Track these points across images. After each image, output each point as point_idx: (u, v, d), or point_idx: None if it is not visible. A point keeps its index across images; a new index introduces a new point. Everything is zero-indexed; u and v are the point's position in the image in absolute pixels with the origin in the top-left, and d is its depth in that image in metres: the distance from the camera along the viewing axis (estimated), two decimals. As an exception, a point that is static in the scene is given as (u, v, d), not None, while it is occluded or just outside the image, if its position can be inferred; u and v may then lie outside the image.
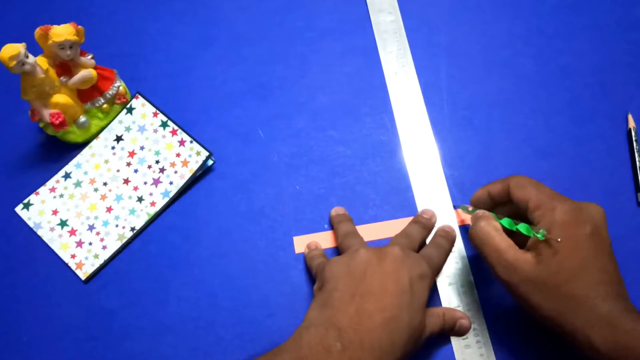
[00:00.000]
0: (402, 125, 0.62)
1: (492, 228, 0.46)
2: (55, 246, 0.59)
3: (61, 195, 0.61)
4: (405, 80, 0.65)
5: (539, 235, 0.43)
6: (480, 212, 0.49)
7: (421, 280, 0.46)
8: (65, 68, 0.59)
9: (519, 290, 0.44)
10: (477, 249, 0.48)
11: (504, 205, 0.51)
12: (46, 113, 0.59)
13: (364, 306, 0.43)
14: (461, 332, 0.51)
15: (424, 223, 0.55)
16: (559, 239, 0.42)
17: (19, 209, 0.60)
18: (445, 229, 0.55)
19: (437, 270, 0.51)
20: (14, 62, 0.54)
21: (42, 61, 0.57)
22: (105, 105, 0.63)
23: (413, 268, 0.47)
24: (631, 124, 0.61)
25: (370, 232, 0.56)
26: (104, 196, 0.61)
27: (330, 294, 0.45)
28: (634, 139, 0.60)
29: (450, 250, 0.54)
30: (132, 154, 0.62)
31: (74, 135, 0.62)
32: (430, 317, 0.48)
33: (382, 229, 0.57)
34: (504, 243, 0.45)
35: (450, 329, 0.51)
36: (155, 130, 0.63)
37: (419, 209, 0.58)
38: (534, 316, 0.44)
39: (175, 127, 0.62)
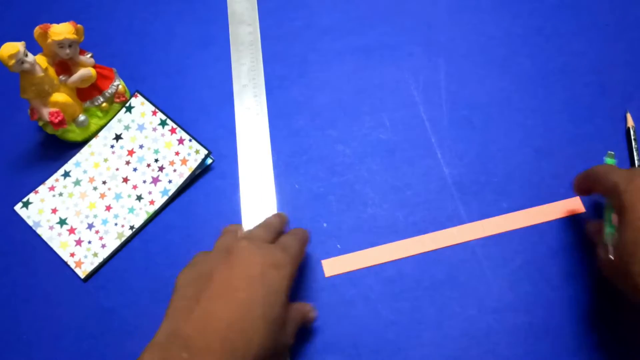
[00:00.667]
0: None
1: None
2: (54, 245, 0.59)
3: (60, 194, 0.61)
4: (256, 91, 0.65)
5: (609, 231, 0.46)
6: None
7: (276, 270, 0.44)
8: (65, 67, 0.59)
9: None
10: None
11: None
12: (45, 112, 0.59)
13: (210, 309, 0.41)
14: (308, 324, 0.52)
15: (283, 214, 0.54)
16: None
17: (18, 208, 0.60)
18: None
19: (295, 258, 0.47)
20: (13, 61, 0.54)
21: (41, 60, 0.57)
22: (104, 104, 0.63)
23: (265, 258, 0.44)
24: (630, 122, 0.61)
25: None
26: (103, 195, 0.61)
27: (174, 304, 0.43)
28: (632, 137, 0.60)
29: (307, 238, 0.52)
30: (131, 152, 0.62)
31: (73, 134, 0.62)
32: (292, 311, 0.47)
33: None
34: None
35: (304, 322, 0.50)
36: (155, 129, 0.63)
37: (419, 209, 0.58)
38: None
39: (174, 126, 0.63)
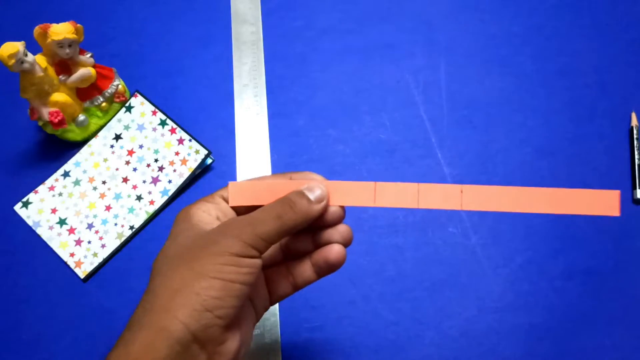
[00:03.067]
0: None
1: None
2: (54, 245, 0.59)
3: (60, 194, 0.61)
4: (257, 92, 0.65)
5: None
6: None
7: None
8: (64, 66, 0.59)
9: None
10: None
11: None
12: (45, 111, 0.59)
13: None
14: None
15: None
16: None
17: (18, 208, 0.60)
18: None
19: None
20: (13, 61, 0.53)
21: (41, 59, 0.57)
22: (104, 104, 0.63)
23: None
24: (634, 122, 0.61)
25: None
26: (103, 195, 0.61)
27: None
28: (635, 137, 0.60)
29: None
30: (131, 152, 0.62)
31: (73, 133, 0.62)
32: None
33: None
34: None
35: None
36: (154, 129, 0.63)
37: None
38: None
39: (174, 126, 0.62)
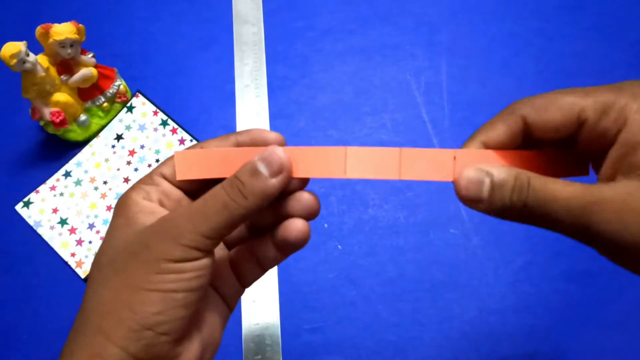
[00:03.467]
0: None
1: (540, 177, 0.25)
2: (55, 244, 0.59)
3: (61, 194, 0.61)
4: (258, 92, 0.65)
5: None
6: (497, 170, 0.26)
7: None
8: (66, 66, 0.59)
9: (631, 235, 0.23)
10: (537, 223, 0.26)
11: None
12: (47, 111, 0.59)
13: None
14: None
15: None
16: None
17: (19, 207, 0.60)
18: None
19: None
20: (15, 61, 0.54)
21: (42, 60, 0.57)
22: (105, 104, 0.63)
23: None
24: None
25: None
26: (104, 195, 0.61)
27: None
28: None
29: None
30: (132, 152, 0.62)
31: (75, 133, 0.62)
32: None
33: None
34: (576, 185, 0.25)
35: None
36: (156, 129, 0.63)
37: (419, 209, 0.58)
38: None
39: (176, 126, 0.62)
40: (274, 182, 0.27)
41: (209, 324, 0.29)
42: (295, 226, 0.29)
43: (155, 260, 0.26)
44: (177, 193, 0.30)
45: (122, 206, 0.29)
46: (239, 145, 0.29)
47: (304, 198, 0.29)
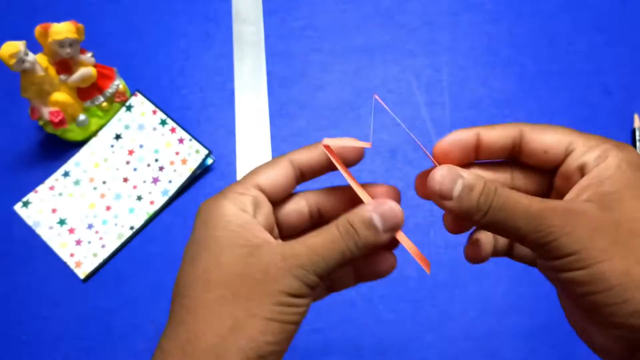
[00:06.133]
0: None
1: (506, 188, 0.27)
2: (54, 245, 0.58)
3: (60, 194, 0.60)
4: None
5: None
6: (468, 174, 0.28)
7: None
8: (65, 66, 0.59)
9: (578, 243, 0.25)
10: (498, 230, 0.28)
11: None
12: (46, 111, 0.59)
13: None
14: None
15: None
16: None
17: (18, 207, 0.60)
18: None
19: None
20: (14, 60, 0.53)
21: (41, 59, 0.57)
22: (104, 104, 0.63)
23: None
24: (637, 123, 0.61)
25: None
26: (103, 195, 0.60)
27: None
28: (637, 138, 0.60)
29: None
30: (131, 152, 0.62)
31: (74, 133, 0.62)
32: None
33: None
34: (537, 200, 0.26)
35: None
36: (155, 129, 0.62)
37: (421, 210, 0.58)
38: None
39: (175, 125, 0.62)
40: (385, 237, 0.28)
41: None
42: (387, 261, 0.31)
43: (278, 292, 0.26)
44: (267, 205, 0.30)
45: (218, 216, 0.28)
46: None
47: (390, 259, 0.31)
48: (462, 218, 0.29)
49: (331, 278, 0.31)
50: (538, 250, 0.26)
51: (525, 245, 0.26)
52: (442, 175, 0.28)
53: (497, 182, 0.28)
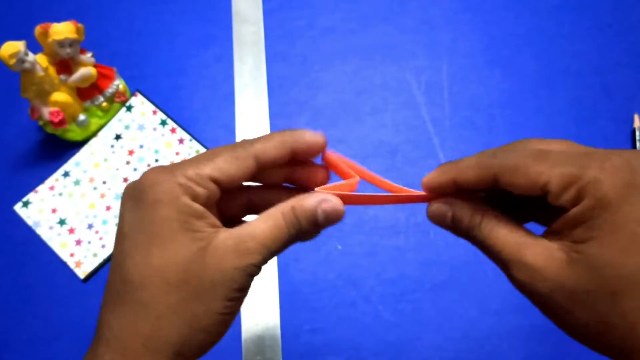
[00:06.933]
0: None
1: (494, 218, 0.30)
2: (54, 245, 0.58)
3: (60, 194, 0.60)
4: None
5: None
6: (460, 208, 0.31)
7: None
8: (65, 66, 0.59)
9: (550, 304, 0.28)
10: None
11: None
12: (46, 111, 0.59)
13: None
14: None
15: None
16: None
17: (18, 207, 0.60)
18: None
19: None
20: (14, 60, 0.53)
21: (41, 59, 0.57)
22: (104, 104, 0.63)
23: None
24: (637, 123, 0.61)
25: None
26: (103, 195, 0.60)
27: None
28: (637, 138, 0.60)
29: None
30: (131, 152, 0.62)
31: (74, 133, 0.62)
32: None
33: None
34: (516, 236, 0.29)
35: None
36: (155, 129, 0.62)
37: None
38: (574, 335, 0.29)
39: (175, 125, 0.62)
40: (323, 228, 0.30)
41: None
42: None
43: (232, 290, 0.27)
44: (216, 193, 0.29)
45: (172, 203, 0.27)
46: (293, 148, 0.31)
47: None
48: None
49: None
50: (510, 280, 0.30)
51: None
52: (432, 212, 0.31)
53: (485, 211, 0.30)
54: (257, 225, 0.28)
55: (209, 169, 0.28)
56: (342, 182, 0.32)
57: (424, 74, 0.65)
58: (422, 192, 0.32)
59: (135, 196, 0.28)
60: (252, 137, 0.31)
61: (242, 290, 0.28)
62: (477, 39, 0.67)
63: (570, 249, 0.27)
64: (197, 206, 0.27)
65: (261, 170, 0.30)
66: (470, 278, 0.55)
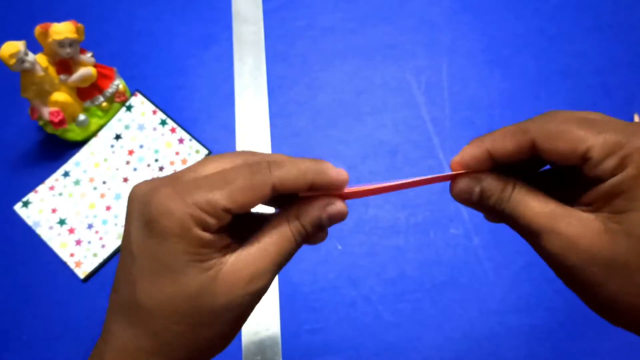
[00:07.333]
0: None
1: (525, 189, 0.28)
2: (54, 244, 0.58)
3: (60, 194, 0.60)
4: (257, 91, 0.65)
5: None
6: (489, 181, 0.29)
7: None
8: (65, 66, 0.59)
9: (581, 275, 0.27)
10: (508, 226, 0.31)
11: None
12: (46, 111, 0.59)
13: None
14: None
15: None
16: None
17: (18, 207, 0.60)
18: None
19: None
20: (14, 60, 0.53)
21: (41, 59, 0.57)
22: (104, 104, 0.63)
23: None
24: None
25: None
26: (103, 195, 0.60)
27: None
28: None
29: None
30: (131, 152, 0.62)
31: (74, 133, 0.62)
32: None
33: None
34: (548, 206, 0.27)
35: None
36: (155, 128, 0.62)
37: (422, 208, 0.58)
38: (600, 308, 0.29)
39: (175, 125, 0.62)
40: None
41: None
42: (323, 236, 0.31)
43: (239, 316, 0.28)
44: (227, 220, 0.27)
45: (182, 230, 0.26)
46: (313, 182, 0.28)
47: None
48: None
49: None
50: (538, 252, 0.29)
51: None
52: (460, 188, 0.30)
53: (515, 183, 0.29)
54: (266, 242, 0.28)
55: (224, 200, 0.26)
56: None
57: (424, 74, 0.65)
58: (442, 175, 0.31)
59: (145, 220, 0.26)
60: (271, 156, 0.29)
61: (252, 307, 0.28)
62: (477, 39, 0.67)
63: (608, 220, 0.26)
64: (208, 236, 0.26)
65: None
66: (470, 278, 0.55)
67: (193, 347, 0.27)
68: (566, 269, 0.27)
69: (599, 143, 0.26)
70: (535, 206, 0.28)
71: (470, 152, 0.30)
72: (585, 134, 0.26)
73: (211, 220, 0.26)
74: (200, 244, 0.26)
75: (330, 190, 0.29)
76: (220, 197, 0.26)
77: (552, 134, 0.27)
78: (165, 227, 0.26)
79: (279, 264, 0.28)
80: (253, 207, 0.27)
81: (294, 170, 0.28)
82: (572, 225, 0.26)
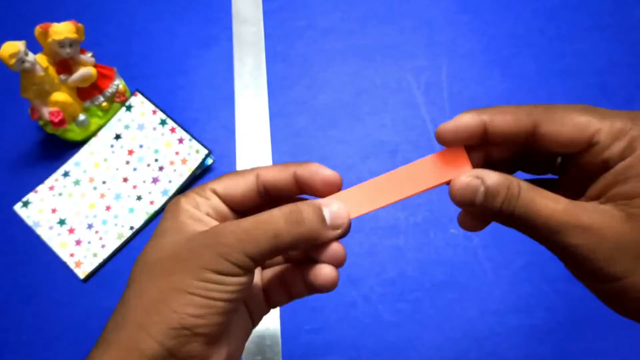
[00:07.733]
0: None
1: (531, 187, 0.26)
2: (54, 245, 0.58)
3: (60, 194, 0.60)
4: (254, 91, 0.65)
5: None
6: (493, 179, 0.27)
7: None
8: (65, 66, 0.59)
9: (609, 267, 0.25)
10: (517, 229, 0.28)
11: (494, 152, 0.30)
12: (46, 111, 0.59)
13: None
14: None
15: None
16: None
17: (18, 207, 0.60)
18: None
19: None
20: (14, 60, 0.53)
21: (41, 59, 0.57)
22: (104, 104, 0.63)
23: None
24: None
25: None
26: (103, 195, 0.60)
27: None
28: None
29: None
30: (131, 152, 0.62)
31: (73, 133, 0.62)
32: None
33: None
34: (561, 202, 0.26)
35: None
36: (155, 128, 0.62)
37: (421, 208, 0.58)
38: (626, 301, 0.26)
39: (174, 125, 0.62)
40: (330, 234, 0.29)
41: (235, 334, 0.31)
42: (324, 272, 0.30)
43: (201, 268, 0.27)
44: (224, 210, 0.30)
45: (172, 211, 0.30)
46: (297, 177, 0.30)
47: (334, 247, 0.30)
48: (491, 218, 0.29)
49: (265, 261, 0.30)
50: (558, 256, 0.26)
51: (547, 248, 0.27)
52: (462, 186, 0.28)
53: (519, 180, 0.27)
54: (249, 216, 0.28)
55: (212, 184, 0.30)
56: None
57: (424, 74, 0.65)
58: (427, 159, 0.29)
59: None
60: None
61: (222, 274, 0.27)
62: (477, 39, 0.67)
63: (626, 206, 0.25)
64: (195, 211, 0.29)
65: (268, 191, 0.30)
66: (470, 278, 0.55)
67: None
68: (592, 262, 0.25)
69: (606, 127, 0.25)
70: (549, 202, 0.25)
71: (465, 120, 0.28)
72: (591, 119, 0.26)
73: (198, 198, 0.30)
74: (188, 215, 0.30)
75: (322, 190, 0.30)
76: (210, 184, 0.30)
77: (557, 118, 0.26)
78: (167, 213, 0.30)
79: (253, 235, 0.27)
80: (242, 195, 0.30)
81: (277, 165, 0.30)
82: (594, 217, 0.25)
